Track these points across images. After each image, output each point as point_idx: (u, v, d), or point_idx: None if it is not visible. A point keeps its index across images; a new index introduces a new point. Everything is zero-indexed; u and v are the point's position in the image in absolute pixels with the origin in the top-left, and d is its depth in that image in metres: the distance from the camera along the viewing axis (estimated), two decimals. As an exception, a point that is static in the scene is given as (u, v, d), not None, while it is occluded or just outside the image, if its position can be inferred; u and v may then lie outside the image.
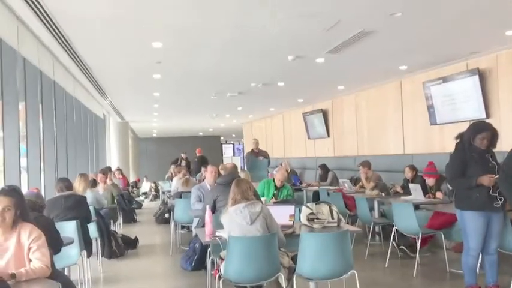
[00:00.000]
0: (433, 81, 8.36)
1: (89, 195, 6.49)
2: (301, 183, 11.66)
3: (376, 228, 7.13)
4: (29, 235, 2.92)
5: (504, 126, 6.69)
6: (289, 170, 12.33)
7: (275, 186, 6.67)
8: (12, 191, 3.00)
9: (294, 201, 6.24)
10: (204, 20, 5.42)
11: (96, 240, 6.10)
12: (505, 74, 7.06)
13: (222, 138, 32.16)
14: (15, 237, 2.91)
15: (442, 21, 5.64)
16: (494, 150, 4.31)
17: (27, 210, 3.07)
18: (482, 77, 7.32)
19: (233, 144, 34.92)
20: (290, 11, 5.16)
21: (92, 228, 5.78)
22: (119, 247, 6.92)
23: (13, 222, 2.93)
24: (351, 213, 7.51)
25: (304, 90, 11.30)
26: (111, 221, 8.00)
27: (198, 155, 14.12)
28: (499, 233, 4.26)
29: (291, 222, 4.37)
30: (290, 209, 4.49)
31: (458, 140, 4.38)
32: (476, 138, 4.20)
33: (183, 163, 14.46)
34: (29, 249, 2.90)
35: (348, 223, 6.40)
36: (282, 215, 4.38)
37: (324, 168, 11.11)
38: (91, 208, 5.92)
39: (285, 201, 6.27)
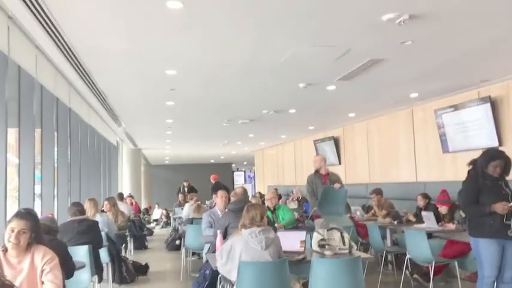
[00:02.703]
0: (444, 109, 8.38)
1: (100, 220, 6.51)
2: (312, 211, 11.58)
3: (389, 257, 7.03)
4: (43, 257, 2.95)
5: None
6: (300, 198, 12.30)
7: (269, 209, 6.57)
8: (28, 214, 3.05)
9: (305, 227, 6.21)
10: (217, 49, 5.54)
11: (107, 266, 6.10)
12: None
13: (233, 165, 32.24)
14: (28, 259, 2.95)
15: (452, 49, 5.70)
16: (507, 178, 4.29)
17: (41, 233, 3.11)
18: (494, 104, 7.32)
19: (244, 171, 34.96)
20: (302, 42, 5.26)
21: (103, 254, 5.79)
22: (130, 273, 6.90)
23: (27, 245, 2.96)
24: (363, 241, 7.43)
25: (316, 117, 11.36)
26: (122, 247, 8.00)
27: (213, 181, 13.99)
28: (514, 261, 4.18)
29: (302, 248, 4.35)
30: (301, 235, 4.49)
31: (471, 167, 4.37)
32: (489, 166, 4.19)
33: (186, 190, 14.48)
34: (42, 271, 2.93)
35: (360, 251, 6.33)
36: (293, 240, 4.38)
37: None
38: (102, 233, 5.94)
39: (296, 228, 6.24)
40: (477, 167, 4.26)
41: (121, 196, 11.49)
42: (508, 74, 6.91)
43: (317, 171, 7.30)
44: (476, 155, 4.46)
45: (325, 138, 13.36)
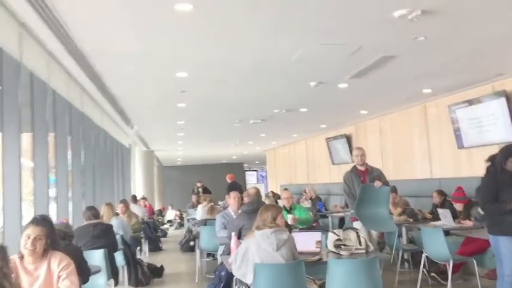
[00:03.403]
0: (458, 104, 8.26)
1: (115, 223, 6.54)
2: (326, 210, 11.55)
3: (405, 255, 6.96)
4: (59, 263, 2.96)
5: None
6: (313, 197, 12.26)
7: (285, 209, 6.51)
8: (43, 221, 3.06)
9: (320, 228, 6.16)
10: (227, 50, 5.53)
11: (123, 269, 6.12)
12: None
13: (245, 165, 32.25)
14: (45, 266, 2.96)
15: (465, 44, 5.61)
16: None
17: (57, 239, 3.12)
18: (509, 99, 7.19)
19: (256, 171, 34.95)
20: (313, 40, 5.21)
21: (119, 257, 5.81)
22: (145, 275, 6.92)
23: (44, 251, 2.97)
24: (378, 240, 7.36)
25: (327, 115, 11.30)
26: (138, 249, 8.03)
27: (229, 181, 13.87)
28: (535, 258, 4.10)
29: (318, 249, 4.32)
30: (317, 235, 4.45)
31: (489, 163, 4.30)
32: (508, 162, 4.12)
33: (200, 191, 14.49)
34: (59, 277, 2.94)
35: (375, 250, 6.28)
36: (308, 241, 4.35)
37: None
38: (117, 236, 5.97)
39: (311, 228, 6.20)
40: (496, 163, 4.19)
41: (134, 198, 11.56)
42: (523, 67, 6.79)
43: (354, 167, 6.34)
44: (492, 150, 4.39)
45: (337, 136, 13.28)
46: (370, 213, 5.75)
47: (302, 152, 16.79)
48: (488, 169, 4.28)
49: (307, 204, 11.59)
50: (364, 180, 6.07)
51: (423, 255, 5.80)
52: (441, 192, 7.39)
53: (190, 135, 14.04)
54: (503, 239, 4.07)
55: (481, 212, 4.42)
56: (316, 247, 4.34)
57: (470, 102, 7.97)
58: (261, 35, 5.05)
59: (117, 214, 7.76)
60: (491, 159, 4.26)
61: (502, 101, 7.24)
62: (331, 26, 4.82)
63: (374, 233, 5.85)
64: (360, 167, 6.28)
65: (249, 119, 11.24)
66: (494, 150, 4.36)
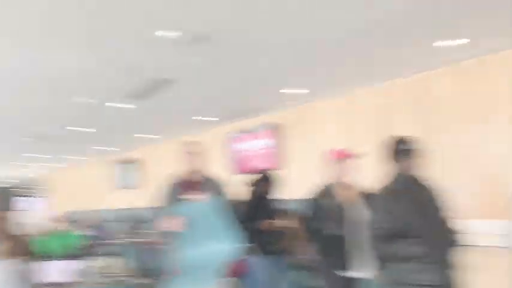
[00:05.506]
0: (233, 133, 8.91)
1: None
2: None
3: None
4: None
5: (293, 177, 7.25)
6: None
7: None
8: None
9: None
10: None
11: None
12: (294, 129, 7.86)
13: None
14: None
15: (235, 75, 5.91)
16: (282, 197, 4.65)
17: None
18: (276, 131, 8.05)
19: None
20: (83, 47, 4.84)
21: None
22: None
23: None
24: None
25: (114, 138, 10.84)
26: None
27: None
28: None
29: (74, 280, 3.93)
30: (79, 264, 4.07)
31: (250, 186, 4.65)
32: (260, 186, 4.53)
33: None
34: None
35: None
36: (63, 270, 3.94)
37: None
38: None
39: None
40: (253, 186, 4.57)
41: None
42: (280, 103, 7.51)
43: (179, 178, 3.68)
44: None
45: (125, 160, 12.88)
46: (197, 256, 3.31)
47: (85, 175, 15.78)
48: (249, 191, 4.62)
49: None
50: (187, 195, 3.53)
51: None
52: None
53: None
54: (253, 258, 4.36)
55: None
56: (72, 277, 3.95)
57: (243, 132, 8.66)
58: (28, 40, 4.52)
59: None
60: (252, 183, 4.62)
61: (270, 133, 8.12)
62: (98, 41, 4.57)
63: None
64: (187, 176, 3.64)
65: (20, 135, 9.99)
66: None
